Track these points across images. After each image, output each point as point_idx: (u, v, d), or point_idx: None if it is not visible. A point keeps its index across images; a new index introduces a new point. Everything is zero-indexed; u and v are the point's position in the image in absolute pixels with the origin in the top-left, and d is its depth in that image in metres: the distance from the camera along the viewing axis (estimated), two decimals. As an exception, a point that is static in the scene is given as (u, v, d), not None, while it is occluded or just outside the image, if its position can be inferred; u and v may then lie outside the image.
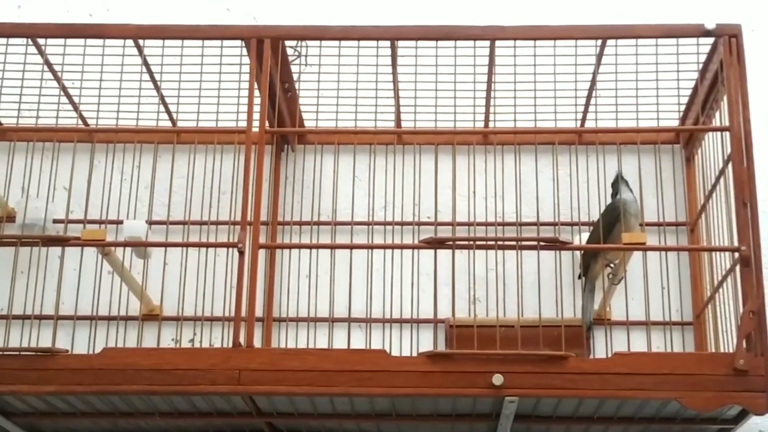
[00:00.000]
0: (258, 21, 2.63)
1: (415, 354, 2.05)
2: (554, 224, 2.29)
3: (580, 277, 2.32)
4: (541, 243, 2.05)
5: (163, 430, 2.26)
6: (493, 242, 2.09)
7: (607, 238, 2.17)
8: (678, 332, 2.34)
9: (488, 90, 2.33)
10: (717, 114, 2.21)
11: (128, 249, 2.25)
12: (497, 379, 1.92)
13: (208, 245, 2.23)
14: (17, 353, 2.00)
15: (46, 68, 2.24)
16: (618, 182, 2.28)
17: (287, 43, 2.25)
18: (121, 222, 2.30)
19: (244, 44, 2.16)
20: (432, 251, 2.05)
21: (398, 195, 2.38)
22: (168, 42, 2.18)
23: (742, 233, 1.98)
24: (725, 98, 2.08)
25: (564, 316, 2.11)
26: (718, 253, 2.21)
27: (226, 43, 2.18)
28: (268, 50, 2.11)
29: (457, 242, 2.05)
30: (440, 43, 2.17)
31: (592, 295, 2.28)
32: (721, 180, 2.14)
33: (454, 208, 2.10)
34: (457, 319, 2.14)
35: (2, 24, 2.25)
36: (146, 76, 2.26)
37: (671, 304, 2.22)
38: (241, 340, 1.97)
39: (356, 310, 2.22)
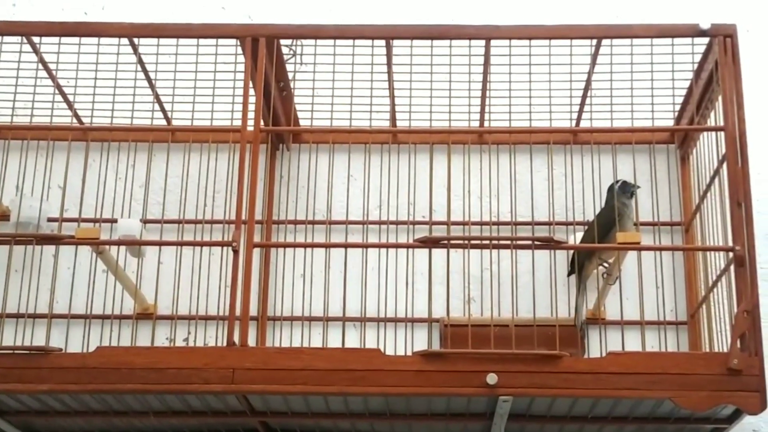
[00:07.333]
0: (253, 20, 2.63)
1: (409, 353, 2.04)
2: (549, 224, 2.29)
3: (569, 275, 2.32)
4: (536, 242, 2.04)
5: (157, 429, 2.25)
6: (487, 242, 2.09)
7: (603, 238, 2.17)
8: (672, 332, 2.34)
9: (483, 89, 2.33)
10: (712, 114, 2.21)
11: (122, 248, 2.24)
12: (491, 379, 1.92)
13: (202, 244, 2.23)
14: (11, 352, 1.99)
15: (40, 66, 2.24)
16: (613, 190, 2.27)
17: (282, 42, 2.25)
18: (115, 221, 2.29)
19: (239, 43, 2.16)
20: (427, 250, 2.05)
21: (393, 194, 2.38)
22: (163, 41, 2.18)
23: (736, 233, 1.98)
24: (720, 98, 2.08)
25: (558, 315, 2.11)
26: (712, 252, 2.21)
27: (221, 41, 2.18)
28: (263, 49, 2.11)
29: (452, 241, 2.05)
30: (435, 42, 2.17)
31: (584, 294, 2.28)
32: (716, 180, 2.14)
33: (449, 207, 2.10)
34: (452, 319, 2.14)
35: (-3, 22, 2.25)
36: (141, 75, 2.26)
37: (666, 304, 2.22)
38: (236, 339, 1.97)
39: (351, 309, 2.22)
